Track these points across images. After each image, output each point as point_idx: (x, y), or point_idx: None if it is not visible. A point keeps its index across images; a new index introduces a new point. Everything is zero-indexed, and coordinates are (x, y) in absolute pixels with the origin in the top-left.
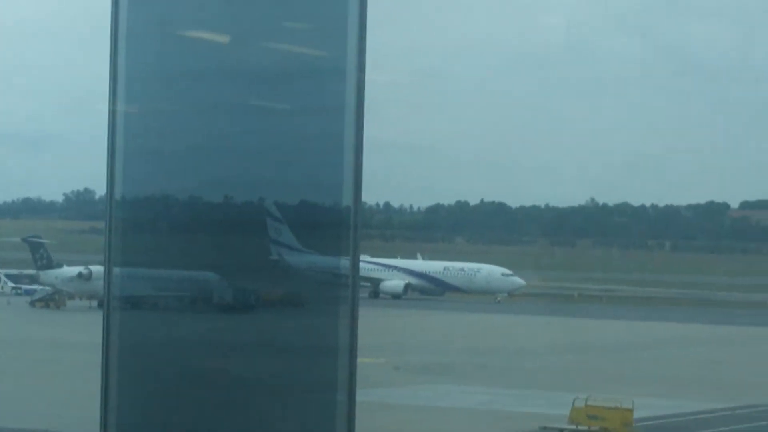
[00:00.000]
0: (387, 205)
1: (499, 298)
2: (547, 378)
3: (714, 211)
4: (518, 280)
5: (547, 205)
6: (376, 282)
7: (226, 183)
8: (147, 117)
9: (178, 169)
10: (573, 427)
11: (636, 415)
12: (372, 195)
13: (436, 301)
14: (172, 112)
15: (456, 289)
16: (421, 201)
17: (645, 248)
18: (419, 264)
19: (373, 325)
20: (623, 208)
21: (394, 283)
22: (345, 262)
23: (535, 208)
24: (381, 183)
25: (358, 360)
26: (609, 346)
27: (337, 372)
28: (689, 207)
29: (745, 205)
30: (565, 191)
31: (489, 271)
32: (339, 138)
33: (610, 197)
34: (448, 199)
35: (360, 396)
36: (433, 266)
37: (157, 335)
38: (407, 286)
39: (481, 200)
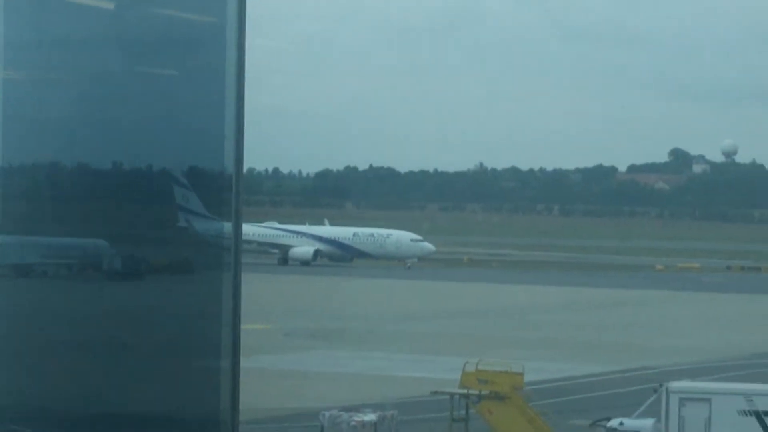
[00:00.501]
0: (276, 171)
1: (408, 264)
2: (439, 342)
3: (602, 174)
4: (428, 246)
5: (435, 170)
6: (284, 248)
7: (115, 151)
8: (28, 84)
9: (63, 137)
10: (464, 391)
11: (526, 378)
12: (261, 161)
13: (345, 267)
14: (55, 79)
15: (366, 254)
16: (310, 167)
17: (534, 212)
18: (328, 230)
19: (272, 291)
20: (511, 173)
21: (303, 249)
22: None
23: (423, 173)
24: (270, 149)
25: (249, 326)
26: (500, 311)
27: (221, 338)
28: (577, 171)
29: (633, 169)
30: (454, 156)
31: (399, 237)
32: (220, 103)
33: (498, 162)
34: (337, 165)
35: (247, 362)
36: (343, 232)
37: (39, 304)
38: (317, 253)
39: (370, 165)
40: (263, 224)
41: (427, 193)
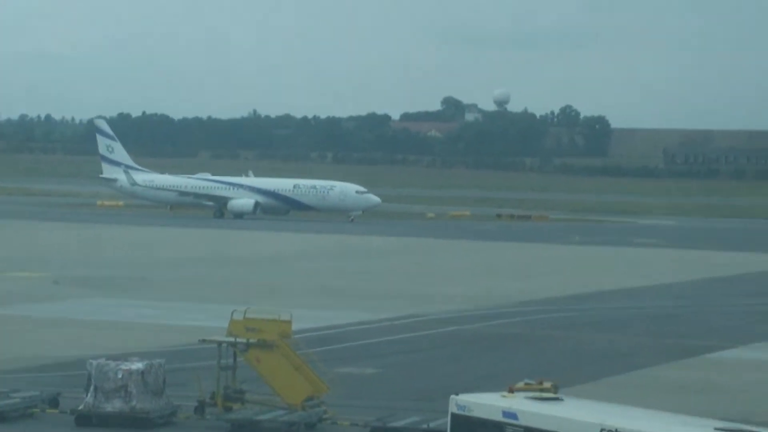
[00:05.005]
0: (49, 117)
1: (352, 217)
2: (208, 290)
3: (375, 122)
4: (373, 198)
5: (209, 117)
6: (221, 200)
7: None
8: None
9: None
10: (232, 339)
11: (295, 326)
12: (33, 107)
13: (277, 220)
14: None
15: (308, 207)
16: (82, 113)
17: (308, 160)
18: (267, 182)
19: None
20: (286, 120)
21: (243, 201)
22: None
23: (197, 120)
24: (42, 94)
25: (18, 274)
26: (270, 258)
27: None
28: (351, 118)
29: (406, 117)
30: (228, 103)
31: (343, 188)
32: None
33: (272, 109)
34: (110, 111)
35: (13, 310)
36: (282, 184)
37: None
38: (257, 205)
39: (143, 112)
40: (196, 176)
41: (202, 140)
